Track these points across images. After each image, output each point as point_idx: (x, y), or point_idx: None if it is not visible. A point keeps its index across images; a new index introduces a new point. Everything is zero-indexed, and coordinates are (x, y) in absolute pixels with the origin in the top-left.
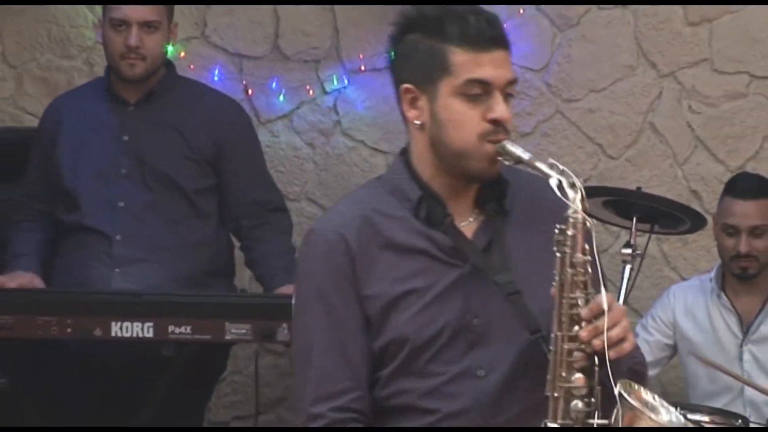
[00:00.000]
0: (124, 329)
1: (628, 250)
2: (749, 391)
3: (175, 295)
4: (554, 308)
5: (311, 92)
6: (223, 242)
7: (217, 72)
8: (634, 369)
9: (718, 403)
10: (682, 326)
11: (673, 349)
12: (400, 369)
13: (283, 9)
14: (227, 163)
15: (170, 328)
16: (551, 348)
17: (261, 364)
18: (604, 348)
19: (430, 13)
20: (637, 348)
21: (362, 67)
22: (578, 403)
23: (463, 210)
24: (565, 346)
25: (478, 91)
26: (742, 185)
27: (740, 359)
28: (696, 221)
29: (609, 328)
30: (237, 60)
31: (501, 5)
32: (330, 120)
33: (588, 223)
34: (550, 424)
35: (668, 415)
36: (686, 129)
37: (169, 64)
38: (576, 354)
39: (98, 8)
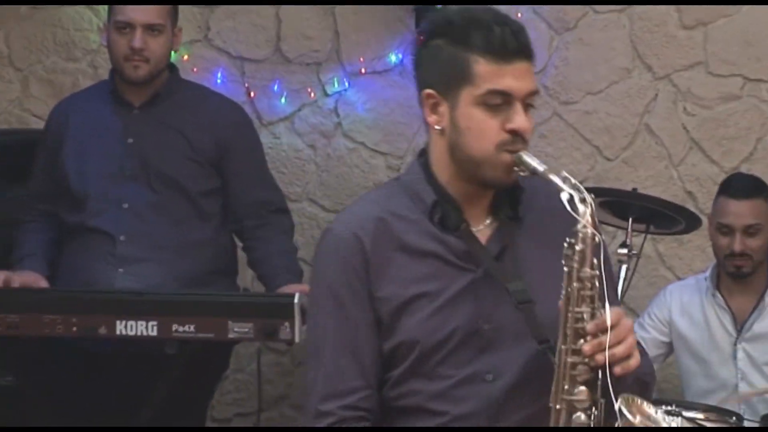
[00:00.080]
0: (128, 327)
1: (624, 250)
2: (743, 389)
3: (179, 294)
4: (560, 321)
5: (312, 94)
6: (225, 242)
7: (219, 75)
8: (641, 380)
9: (712, 401)
10: (678, 324)
11: (669, 347)
12: (410, 370)
13: (284, 13)
14: (230, 165)
15: (174, 327)
16: (555, 360)
17: (263, 362)
18: (605, 363)
19: (455, 19)
20: (644, 357)
21: (362, 70)
22: (581, 416)
23: (478, 215)
24: (569, 360)
25: (499, 101)
26: (737, 185)
27: (734, 357)
28: (691, 221)
29: (614, 345)
30: (239, 63)
31: (500, 5)
32: (331, 122)
33: (597, 238)
34: None
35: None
36: (681, 131)
37: (172, 68)
38: (580, 368)
39: (103, 12)
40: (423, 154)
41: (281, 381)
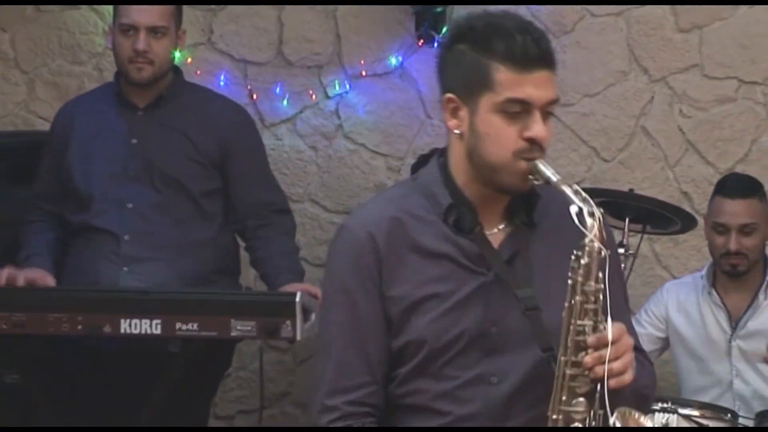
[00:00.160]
0: (132, 326)
1: (621, 250)
2: (738, 386)
3: (182, 293)
4: (561, 333)
5: (314, 97)
6: (228, 242)
7: (222, 77)
8: (639, 393)
9: (707, 397)
10: (674, 321)
11: (665, 342)
12: (417, 369)
13: (286, 16)
14: (232, 166)
15: (177, 325)
16: (555, 372)
17: (265, 360)
18: (604, 377)
19: (479, 25)
20: (644, 369)
21: (363, 73)
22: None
23: (492, 219)
24: (569, 372)
25: (518, 109)
26: (732, 185)
27: (729, 353)
28: (687, 222)
29: (612, 360)
30: (242, 66)
31: (499, 6)
32: (332, 124)
33: (603, 253)
34: None
35: None
36: (677, 132)
37: (176, 70)
38: (579, 380)
39: (108, 15)
40: (442, 154)
41: (283, 379)
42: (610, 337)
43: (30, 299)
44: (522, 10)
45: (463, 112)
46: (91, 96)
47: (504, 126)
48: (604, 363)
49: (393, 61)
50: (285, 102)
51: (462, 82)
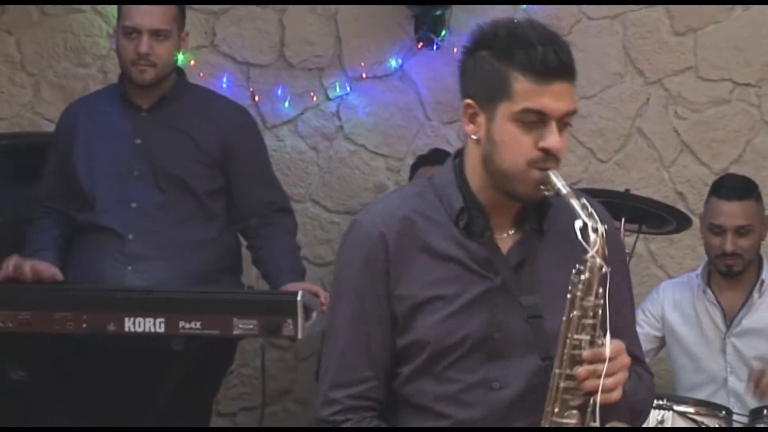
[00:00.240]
0: (136, 324)
1: None
2: (732, 383)
3: (185, 292)
4: (558, 346)
5: (315, 99)
6: (230, 241)
7: (225, 79)
8: (633, 407)
9: (702, 394)
10: (671, 320)
11: (662, 342)
12: (420, 369)
13: (288, 19)
14: (235, 166)
15: (180, 324)
16: (549, 384)
17: (267, 358)
18: (596, 391)
19: (502, 34)
20: (642, 383)
21: (363, 75)
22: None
23: (503, 224)
24: (562, 384)
25: (534, 119)
26: (728, 186)
27: (723, 351)
28: (682, 221)
29: (607, 375)
30: (244, 68)
31: (499, 6)
32: (333, 125)
33: (604, 269)
34: None
35: None
36: (672, 134)
37: (180, 72)
38: (572, 393)
39: (112, 18)
40: (459, 155)
41: (284, 376)
42: (607, 353)
43: (35, 298)
44: (519, 14)
45: (481, 119)
46: (96, 97)
47: (520, 135)
48: (596, 377)
49: (393, 63)
50: (286, 103)
51: (481, 89)
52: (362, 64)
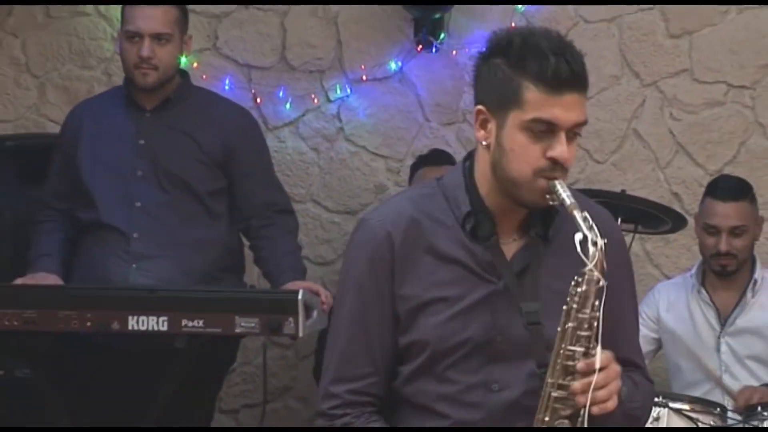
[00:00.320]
0: (140, 323)
1: None
2: (727, 381)
3: (188, 291)
4: (551, 356)
5: (316, 100)
6: (232, 241)
7: (227, 81)
8: (630, 414)
9: (697, 393)
10: (666, 320)
11: (659, 343)
12: (421, 369)
13: (289, 22)
14: (237, 167)
15: (183, 322)
16: (541, 393)
17: (269, 356)
18: (586, 404)
19: (516, 42)
20: (639, 389)
21: (364, 77)
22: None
23: (508, 229)
24: (554, 394)
25: (543, 129)
26: (723, 187)
27: (718, 350)
28: (677, 222)
29: (599, 387)
30: (246, 70)
31: (498, 5)
32: (333, 127)
33: (601, 282)
34: None
35: None
36: (668, 135)
37: (183, 74)
38: (563, 402)
39: (116, 22)
40: (469, 158)
41: (286, 374)
42: (598, 364)
43: (41, 296)
44: (516, 19)
45: (492, 125)
46: (100, 99)
47: (529, 144)
48: (589, 391)
49: (393, 66)
50: (288, 105)
51: (493, 96)
52: (362, 66)
